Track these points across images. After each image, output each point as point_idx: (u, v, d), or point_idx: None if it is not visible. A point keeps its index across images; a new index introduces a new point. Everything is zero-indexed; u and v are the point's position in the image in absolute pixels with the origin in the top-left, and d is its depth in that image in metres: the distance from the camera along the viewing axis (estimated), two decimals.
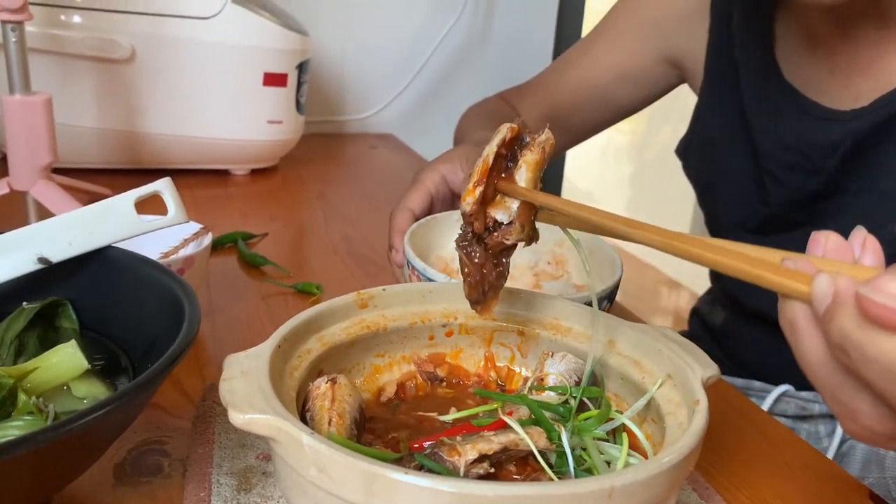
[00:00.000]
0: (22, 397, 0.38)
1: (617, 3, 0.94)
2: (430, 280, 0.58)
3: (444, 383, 0.50)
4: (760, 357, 0.84)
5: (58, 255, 0.48)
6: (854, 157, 0.71)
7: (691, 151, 0.88)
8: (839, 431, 0.75)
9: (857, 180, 0.72)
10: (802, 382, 0.80)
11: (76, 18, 0.94)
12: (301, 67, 1.09)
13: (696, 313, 0.97)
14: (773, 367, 0.82)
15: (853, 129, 0.69)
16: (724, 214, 0.87)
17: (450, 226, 0.69)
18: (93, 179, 0.92)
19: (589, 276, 0.47)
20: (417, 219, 0.68)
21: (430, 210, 0.70)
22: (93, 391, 0.42)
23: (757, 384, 0.83)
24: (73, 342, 0.42)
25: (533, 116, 0.96)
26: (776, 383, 0.80)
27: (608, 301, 0.58)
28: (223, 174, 1.11)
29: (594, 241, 0.65)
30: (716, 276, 0.94)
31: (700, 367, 0.42)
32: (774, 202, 0.78)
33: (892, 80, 0.68)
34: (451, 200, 0.71)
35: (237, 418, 0.35)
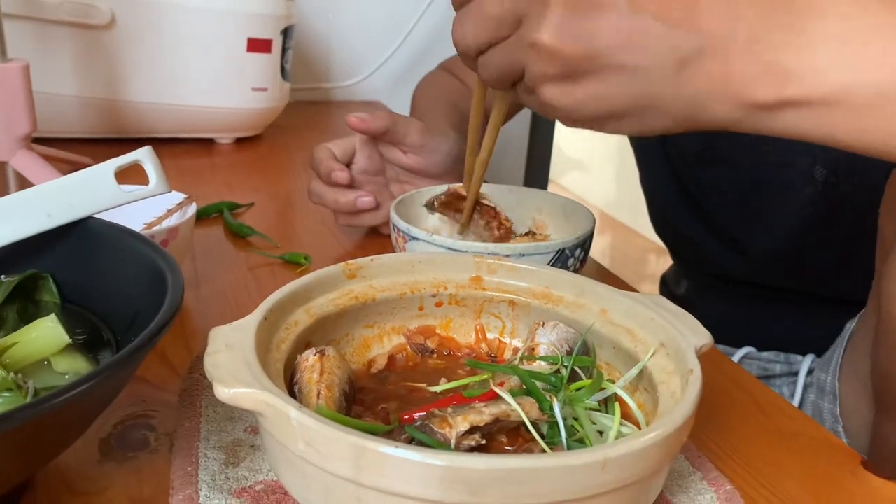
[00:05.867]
0: (0, 373, 0.37)
1: None
2: (414, 238, 0.58)
3: (435, 355, 0.50)
4: (721, 322, 0.87)
5: (36, 227, 0.47)
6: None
7: None
8: (799, 391, 0.77)
9: (742, 151, 0.75)
10: (763, 343, 0.82)
11: None
12: (286, 33, 1.06)
13: (664, 281, 1.01)
14: (734, 331, 0.86)
15: None
16: (646, 183, 0.94)
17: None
18: (74, 149, 0.90)
19: None
20: (336, 159, 0.73)
21: (351, 153, 0.74)
22: (74, 366, 0.41)
23: (720, 347, 0.85)
24: (52, 316, 0.41)
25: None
26: (738, 346, 0.83)
27: (582, 251, 0.60)
28: (208, 143, 1.09)
29: (569, 204, 0.68)
30: (671, 251, 0.98)
31: (693, 336, 0.42)
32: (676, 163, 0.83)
33: None
34: (377, 155, 0.75)
35: (222, 392, 0.34)
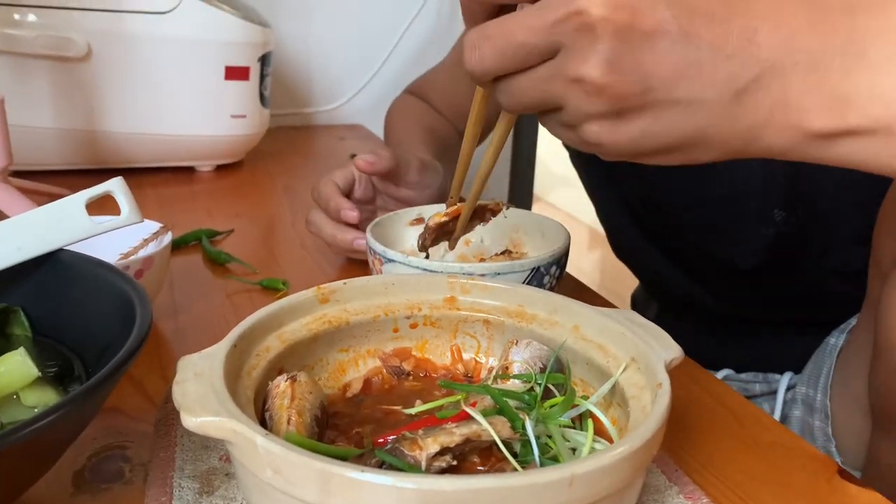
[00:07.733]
0: None
1: None
2: (391, 261, 0.58)
3: (411, 377, 0.49)
4: (695, 346, 0.86)
5: (6, 260, 0.47)
6: None
7: None
8: (779, 407, 0.77)
9: (684, 196, 0.75)
10: (741, 365, 0.83)
11: (30, 17, 0.92)
12: (264, 60, 1.07)
13: (633, 302, 1.02)
14: (709, 356, 0.84)
15: None
16: (604, 220, 0.94)
17: (409, 222, 0.70)
18: (54, 181, 0.90)
19: None
20: (341, 191, 0.74)
21: (351, 183, 0.76)
22: (44, 399, 0.41)
23: None
24: (21, 350, 0.41)
25: (444, 107, 1.05)
26: (716, 369, 0.82)
27: (557, 267, 0.60)
28: (188, 171, 1.09)
29: (544, 221, 0.68)
30: (639, 275, 0.99)
31: (663, 349, 0.42)
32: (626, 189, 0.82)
33: None
34: (372, 186, 0.77)
35: (189, 421, 0.34)
